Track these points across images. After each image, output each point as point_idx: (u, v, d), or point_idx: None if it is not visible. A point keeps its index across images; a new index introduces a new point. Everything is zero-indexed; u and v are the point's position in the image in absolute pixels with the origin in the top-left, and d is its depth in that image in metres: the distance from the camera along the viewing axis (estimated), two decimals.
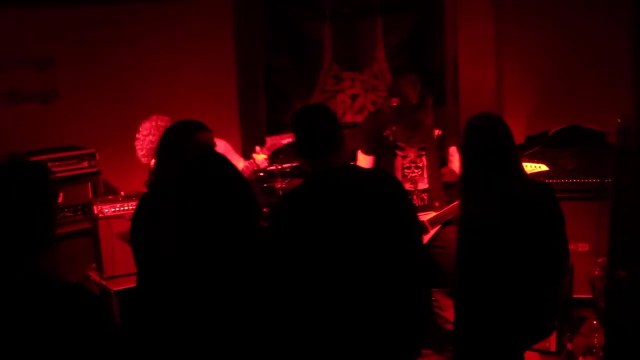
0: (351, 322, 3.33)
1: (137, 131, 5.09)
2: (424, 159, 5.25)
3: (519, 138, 5.93)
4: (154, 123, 5.06)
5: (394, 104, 5.06)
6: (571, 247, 4.22)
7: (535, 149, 5.77)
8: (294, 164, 5.85)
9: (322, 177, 3.50)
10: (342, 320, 3.33)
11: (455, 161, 5.29)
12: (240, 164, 5.27)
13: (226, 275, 2.84)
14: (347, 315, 3.33)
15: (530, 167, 4.98)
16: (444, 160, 5.48)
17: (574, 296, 5.42)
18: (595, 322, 5.29)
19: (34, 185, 2.60)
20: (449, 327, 5.15)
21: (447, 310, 5.35)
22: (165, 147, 3.83)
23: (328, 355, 3.32)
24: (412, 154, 5.26)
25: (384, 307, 3.37)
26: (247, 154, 5.54)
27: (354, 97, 7.21)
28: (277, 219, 3.54)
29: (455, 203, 4.92)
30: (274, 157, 5.40)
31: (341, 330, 3.34)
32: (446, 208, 5.10)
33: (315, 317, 3.31)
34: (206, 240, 2.88)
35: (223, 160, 3.09)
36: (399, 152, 5.26)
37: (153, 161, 4.94)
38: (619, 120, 4.86)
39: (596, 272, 5.33)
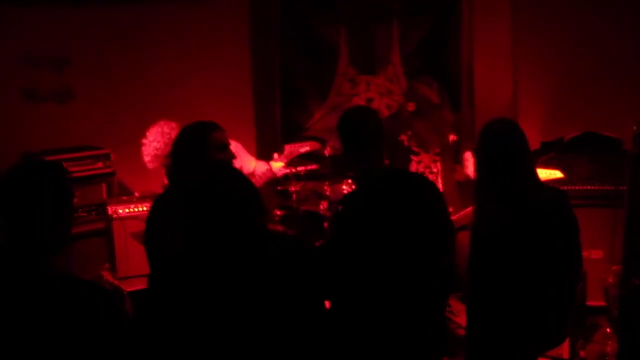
0: (387, 320, 3.44)
1: (145, 136, 5.10)
2: (438, 164, 5.24)
3: (534, 144, 5.92)
4: (160, 129, 5.06)
5: (411, 109, 5.07)
6: (585, 254, 4.20)
7: (551, 155, 5.76)
8: (309, 167, 5.85)
9: (382, 178, 3.65)
10: (377, 318, 3.43)
11: (470, 166, 5.28)
12: (252, 163, 5.29)
13: (233, 277, 2.85)
14: (384, 314, 3.43)
15: (544, 174, 4.97)
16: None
17: (588, 304, 5.40)
18: (608, 330, 5.27)
19: (50, 184, 2.61)
20: (461, 332, 5.14)
21: (459, 315, 5.34)
22: (180, 148, 3.84)
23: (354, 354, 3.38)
24: (426, 159, 5.25)
25: (418, 307, 3.51)
26: (262, 158, 5.55)
27: (369, 101, 7.20)
28: (343, 217, 3.62)
29: (469, 209, 4.92)
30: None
31: (374, 330, 3.40)
32: (461, 213, 5.09)
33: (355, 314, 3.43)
34: (214, 243, 2.90)
35: (229, 166, 3.13)
36: (414, 158, 5.26)
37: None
38: (635, 127, 4.83)
39: (610, 280, 5.31)
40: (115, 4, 6.39)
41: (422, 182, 3.83)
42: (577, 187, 5.69)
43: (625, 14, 6.28)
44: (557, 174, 5.20)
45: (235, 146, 5.06)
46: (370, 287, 3.45)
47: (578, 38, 6.44)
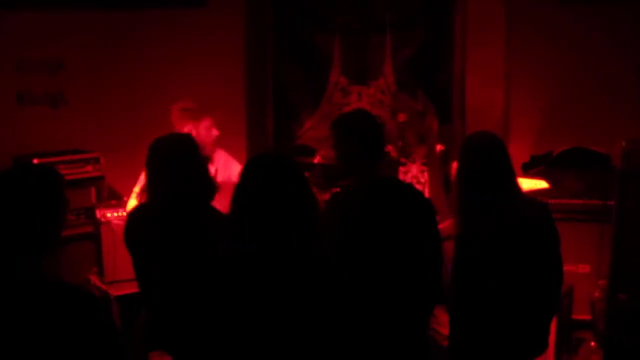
0: (369, 331, 3.45)
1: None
2: (426, 174, 5.22)
3: (524, 157, 5.96)
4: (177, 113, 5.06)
5: (402, 119, 5.06)
6: (572, 268, 4.22)
7: (539, 168, 5.77)
8: None
9: (373, 185, 3.66)
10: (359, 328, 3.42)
11: None
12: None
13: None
14: (367, 324, 3.42)
15: (529, 184, 4.99)
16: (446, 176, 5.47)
17: (574, 317, 5.41)
18: (593, 343, 5.28)
19: (42, 190, 2.61)
20: (446, 344, 5.14)
21: (445, 326, 5.34)
22: (170, 160, 3.82)
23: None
24: (414, 170, 5.24)
25: (401, 319, 3.57)
26: None
27: None
28: (327, 215, 3.59)
29: (450, 220, 4.90)
30: None
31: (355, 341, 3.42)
32: (445, 223, 5.09)
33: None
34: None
35: None
36: (401, 168, 5.25)
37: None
38: (623, 143, 4.86)
39: (596, 294, 5.33)
40: (109, 9, 6.40)
41: (413, 193, 3.83)
42: (565, 201, 5.70)
43: (618, 32, 6.32)
44: (542, 184, 5.21)
45: (224, 155, 5.08)
46: (352, 296, 3.44)
47: (571, 54, 6.47)
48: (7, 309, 2.45)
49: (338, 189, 5.71)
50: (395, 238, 3.53)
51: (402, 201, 3.65)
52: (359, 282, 3.35)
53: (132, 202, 4.96)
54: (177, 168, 3.76)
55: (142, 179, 4.92)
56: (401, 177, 5.26)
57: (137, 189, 5.03)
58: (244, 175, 3.00)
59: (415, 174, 5.20)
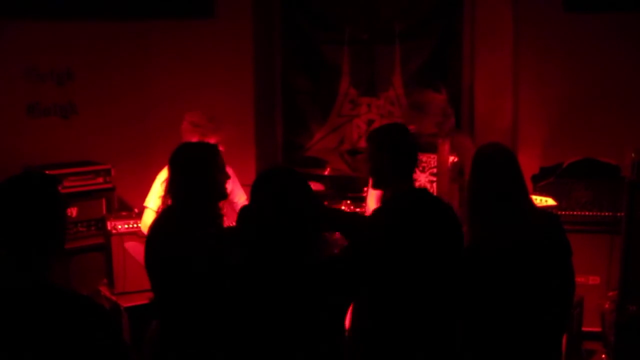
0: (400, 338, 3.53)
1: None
2: (434, 185, 5.13)
3: (533, 168, 5.95)
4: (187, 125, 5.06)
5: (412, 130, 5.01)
6: (582, 279, 4.19)
7: (550, 180, 5.76)
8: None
9: (413, 197, 3.72)
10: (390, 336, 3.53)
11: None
12: (242, 196, 5.27)
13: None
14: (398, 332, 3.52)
15: (537, 201, 4.98)
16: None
17: (584, 329, 5.39)
18: (604, 355, 5.26)
19: (42, 194, 2.61)
20: None
21: None
22: (187, 167, 3.81)
23: None
24: (422, 179, 5.17)
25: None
26: None
27: (370, 123, 7.20)
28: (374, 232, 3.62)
29: None
30: None
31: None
32: None
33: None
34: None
35: None
36: None
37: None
38: (633, 154, 4.86)
39: (606, 306, 5.31)
40: (118, 20, 6.42)
41: (446, 207, 3.86)
42: (575, 213, 5.69)
43: (627, 40, 6.32)
44: (549, 202, 5.22)
45: (231, 173, 5.06)
46: (386, 305, 3.53)
47: (579, 65, 6.47)
48: (12, 316, 2.45)
49: (349, 200, 5.74)
50: (430, 252, 3.55)
51: (436, 216, 3.69)
52: (397, 291, 3.50)
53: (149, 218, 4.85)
54: (196, 174, 3.77)
55: (155, 191, 4.88)
56: None
57: (153, 206, 4.88)
58: (254, 188, 3.08)
59: (423, 184, 5.14)
